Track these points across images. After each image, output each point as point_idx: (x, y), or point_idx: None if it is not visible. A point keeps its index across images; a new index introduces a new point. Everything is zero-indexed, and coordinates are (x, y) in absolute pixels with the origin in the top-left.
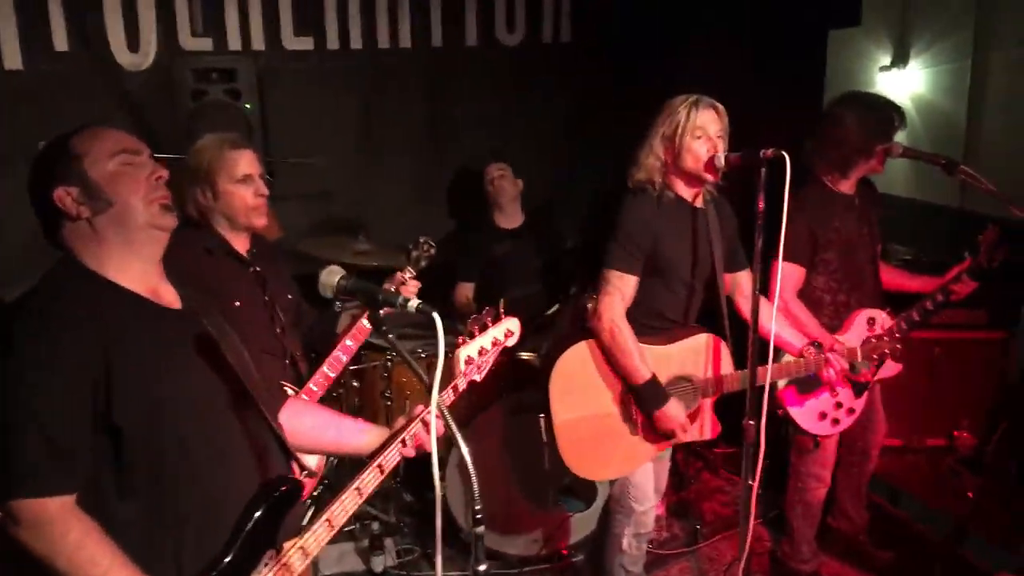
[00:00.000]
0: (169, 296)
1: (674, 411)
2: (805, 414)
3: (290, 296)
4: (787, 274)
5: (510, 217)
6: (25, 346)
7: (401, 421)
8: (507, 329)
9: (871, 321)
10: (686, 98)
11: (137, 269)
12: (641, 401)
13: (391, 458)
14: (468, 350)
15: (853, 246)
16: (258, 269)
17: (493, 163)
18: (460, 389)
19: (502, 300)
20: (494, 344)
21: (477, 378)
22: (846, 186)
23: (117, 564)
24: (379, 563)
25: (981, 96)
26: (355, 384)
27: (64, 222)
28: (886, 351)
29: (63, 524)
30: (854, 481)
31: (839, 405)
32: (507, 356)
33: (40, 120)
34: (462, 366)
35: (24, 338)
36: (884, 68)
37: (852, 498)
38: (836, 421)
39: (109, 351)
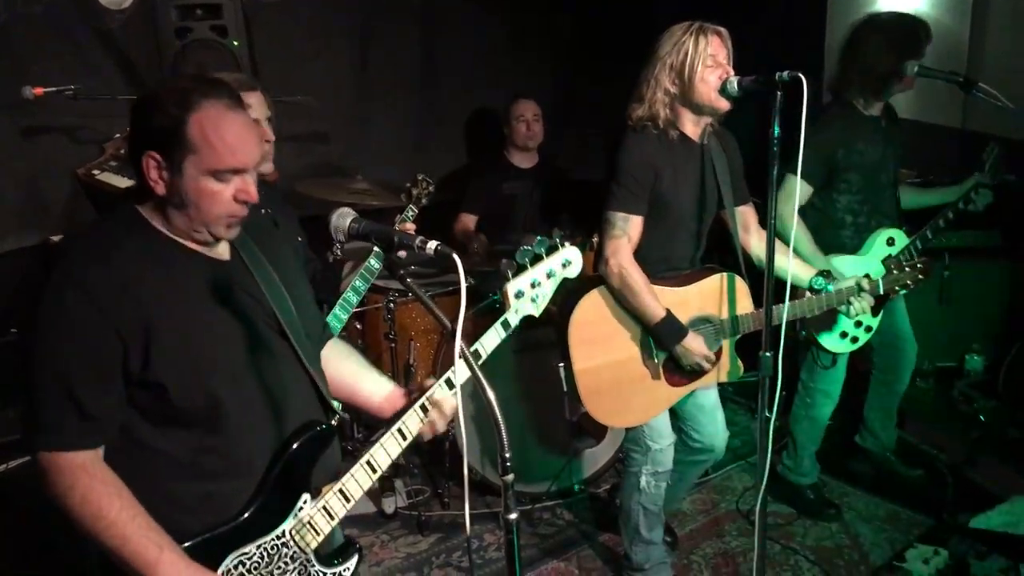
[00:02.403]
0: (220, 246)
1: (695, 344)
2: (826, 331)
3: (300, 239)
4: (790, 189)
5: (527, 157)
6: (64, 300)
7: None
8: (564, 259)
9: (890, 241)
10: (688, 26)
11: (196, 239)
12: (660, 339)
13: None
14: (517, 283)
15: (876, 168)
16: (269, 211)
17: (523, 100)
18: (512, 325)
19: (556, 229)
20: (549, 276)
21: (534, 313)
22: (876, 109)
23: (124, 516)
24: (390, 504)
25: (984, 13)
26: (358, 326)
27: (143, 177)
28: (908, 283)
29: (70, 478)
30: (884, 402)
31: (859, 324)
32: None
33: (19, 63)
34: (511, 301)
35: (63, 291)
36: None
37: (881, 419)
38: (855, 339)
39: (150, 309)
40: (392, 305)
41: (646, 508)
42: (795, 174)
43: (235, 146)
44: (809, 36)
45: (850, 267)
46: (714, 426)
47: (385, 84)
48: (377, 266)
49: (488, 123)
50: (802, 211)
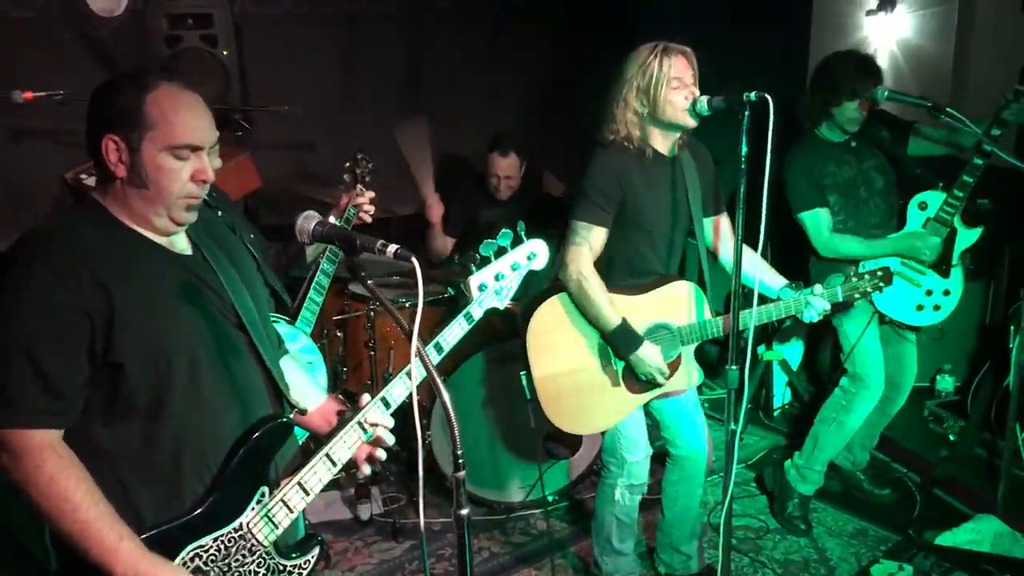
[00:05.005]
0: (181, 243)
1: (649, 353)
2: (901, 310)
3: (252, 236)
4: (812, 222)
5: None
6: (29, 278)
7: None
8: (529, 252)
9: (922, 205)
10: (653, 47)
11: (156, 225)
12: (615, 347)
13: (397, 393)
14: (480, 276)
15: (852, 186)
16: (221, 212)
17: (498, 156)
18: (476, 318)
19: (520, 222)
20: (514, 269)
21: (499, 306)
22: (839, 135)
23: (88, 501)
24: (365, 511)
25: (967, 39)
26: (339, 334)
27: (103, 163)
28: (867, 290)
29: (39, 457)
30: (873, 419)
31: (930, 292)
32: None
33: (9, 67)
34: (474, 293)
35: (29, 270)
36: (871, 12)
37: (863, 437)
38: (937, 307)
39: (113, 292)
40: (373, 313)
41: (620, 519)
42: (807, 210)
43: (191, 123)
44: (793, 60)
45: (892, 244)
46: (692, 430)
47: (372, 97)
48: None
49: (473, 141)
50: (792, 234)
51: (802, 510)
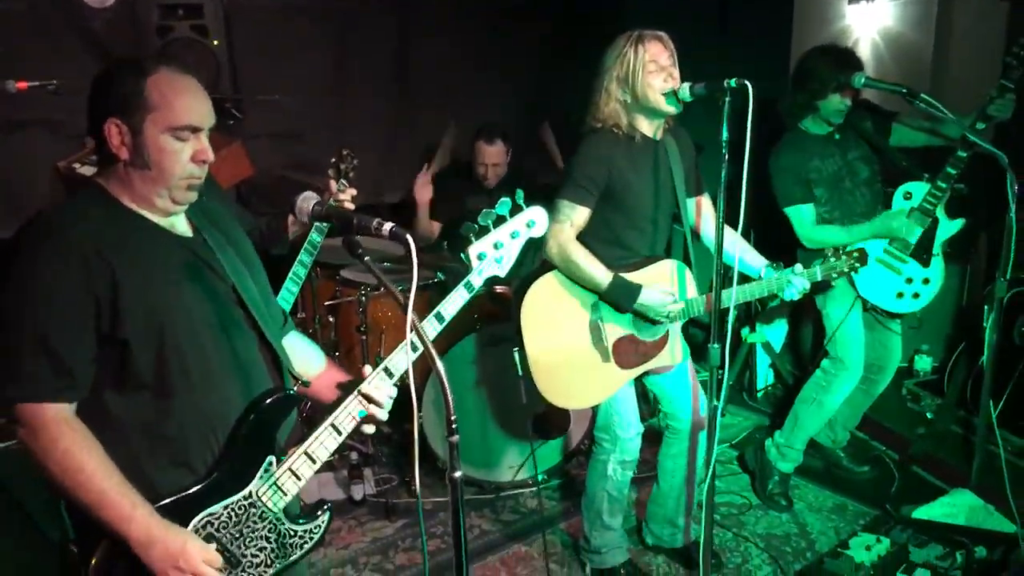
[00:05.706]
0: (182, 226)
1: (653, 295)
2: (881, 296)
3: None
4: (796, 217)
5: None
6: (37, 259)
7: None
8: (529, 220)
9: (907, 195)
10: (628, 36)
11: (158, 206)
12: (616, 302)
13: (399, 363)
14: (479, 245)
15: (836, 178)
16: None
17: (485, 144)
18: (476, 287)
19: (518, 190)
20: (514, 237)
21: (500, 274)
22: (823, 127)
23: (101, 472)
24: (359, 491)
25: (947, 28)
26: (330, 319)
27: (106, 147)
28: (844, 270)
29: (56, 430)
30: (855, 399)
31: (910, 280)
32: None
33: (3, 59)
34: (474, 263)
35: (37, 251)
36: (853, 1)
37: (845, 417)
38: (917, 295)
39: (118, 272)
40: (364, 298)
41: (611, 495)
42: (792, 206)
43: (191, 104)
44: (775, 48)
45: (869, 228)
46: (687, 400)
47: (361, 86)
48: (318, 239)
49: (468, 136)
50: (780, 222)
51: (783, 487)
